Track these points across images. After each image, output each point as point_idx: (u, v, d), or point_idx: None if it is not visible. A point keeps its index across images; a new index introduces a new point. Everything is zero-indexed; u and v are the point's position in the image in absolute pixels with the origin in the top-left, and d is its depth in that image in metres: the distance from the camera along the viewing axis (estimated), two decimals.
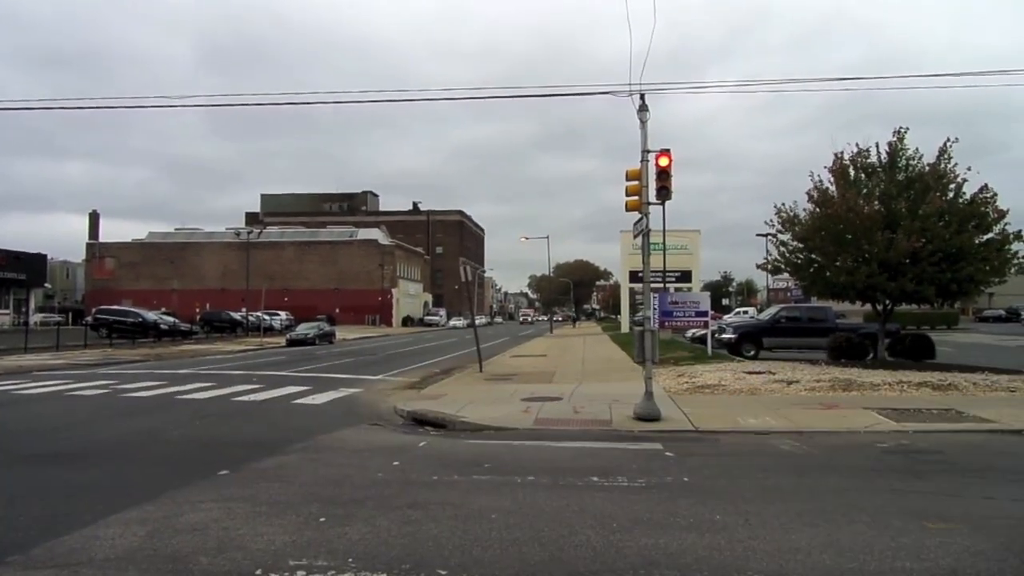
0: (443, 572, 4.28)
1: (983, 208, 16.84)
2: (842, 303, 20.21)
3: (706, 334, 24.49)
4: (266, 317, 47.88)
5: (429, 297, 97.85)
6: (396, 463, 7.63)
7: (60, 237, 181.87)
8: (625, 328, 48.01)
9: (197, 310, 55.72)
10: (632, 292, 48.67)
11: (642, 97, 11.59)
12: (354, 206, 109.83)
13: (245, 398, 13.88)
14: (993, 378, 14.56)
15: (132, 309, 43.75)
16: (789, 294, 65.87)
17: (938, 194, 16.79)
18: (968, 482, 6.70)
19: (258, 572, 4.30)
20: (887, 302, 18.41)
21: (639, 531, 5.06)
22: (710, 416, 10.67)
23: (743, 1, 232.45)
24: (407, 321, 78.98)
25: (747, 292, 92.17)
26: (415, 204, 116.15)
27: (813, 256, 18.76)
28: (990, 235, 17.07)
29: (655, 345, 11.22)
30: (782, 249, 19.86)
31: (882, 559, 4.46)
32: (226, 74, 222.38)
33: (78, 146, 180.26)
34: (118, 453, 8.53)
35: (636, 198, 11.39)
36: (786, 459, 7.93)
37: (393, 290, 77.84)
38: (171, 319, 42.61)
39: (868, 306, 19.34)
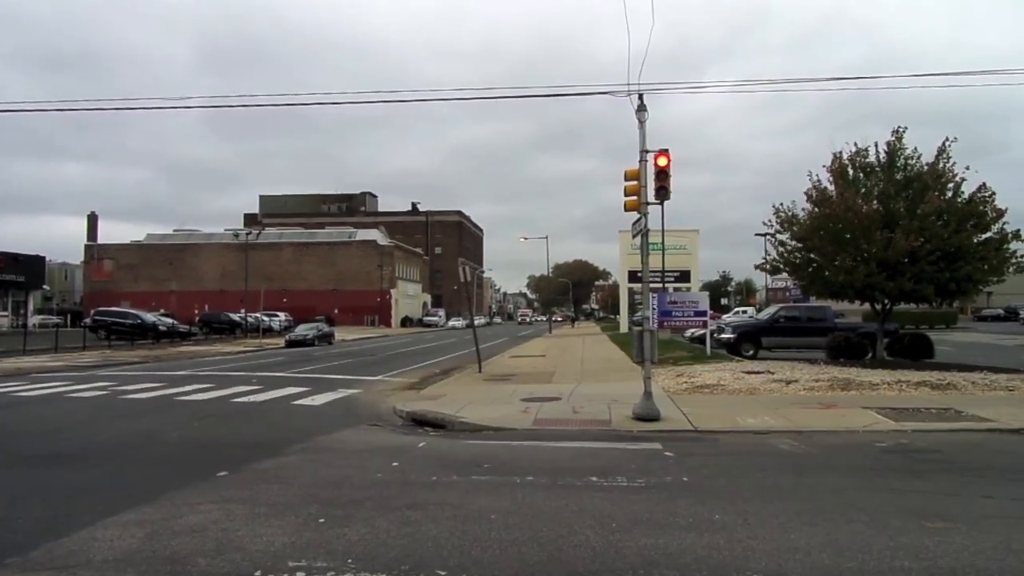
0: (442, 573, 4.28)
1: (981, 207, 16.86)
2: (841, 302, 20.23)
3: (705, 334, 24.50)
4: (265, 318, 47.83)
5: (428, 298, 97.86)
6: (395, 464, 7.63)
7: (58, 239, 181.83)
8: (624, 328, 48.02)
9: (196, 311, 55.67)
10: (631, 292, 48.69)
11: (641, 97, 11.60)
12: (353, 207, 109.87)
13: (244, 399, 13.87)
14: (992, 377, 14.58)
15: (131, 311, 43.73)
16: (788, 294, 65.84)
17: (936, 193, 16.80)
18: (967, 481, 6.71)
19: (257, 573, 4.30)
20: (886, 301, 18.43)
21: (638, 531, 5.06)
22: (709, 416, 10.67)
23: (743, 1, 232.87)
24: (406, 322, 78.97)
25: (746, 292, 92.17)
26: (414, 204, 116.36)
27: (812, 256, 18.77)
28: (988, 234, 17.09)
29: (654, 345, 11.23)
30: (780, 249, 19.88)
31: (881, 558, 4.46)
32: (225, 75, 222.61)
33: (76, 147, 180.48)
34: (117, 454, 8.52)
35: (635, 198, 11.40)
36: (785, 459, 7.93)
37: (392, 291, 77.83)
38: (170, 320, 42.57)
39: (867, 305, 19.37)
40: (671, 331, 29.90)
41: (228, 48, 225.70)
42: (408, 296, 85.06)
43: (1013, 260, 17.27)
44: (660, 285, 33.28)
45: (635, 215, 11.66)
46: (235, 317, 49.54)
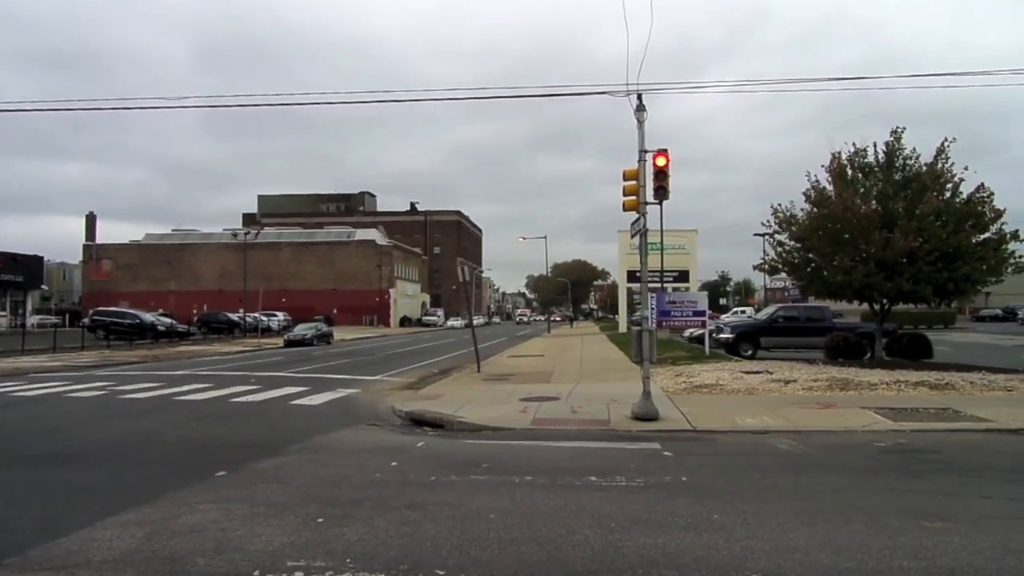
0: (441, 572, 4.28)
1: (980, 208, 16.89)
2: (839, 303, 20.25)
3: (704, 334, 24.55)
4: (263, 318, 47.80)
5: (427, 297, 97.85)
6: (394, 463, 7.63)
7: (57, 239, 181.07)
8: (623, 328, 48.06)
9: (194, 311, 55.61)
10: (630, 292, 48.70)
11: (639, 97, 11.61)
12: (351, 207, 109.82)
13: (243, 399, 13.86)
14: (990, 377, 14.59)
15: (129, 311, 43.71)
16: (786, 294, 65.91)
17: (935, 194, 16.82)
18: (965, 481, 6.72)
19: (256, 573, 4.29)
20: (884, 301, 18.45)
21: (637, 531, 5.06)
22: (708, 416, 10.68)
23: (743, 1, 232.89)
24: (405, 321, 78.94)
25: (744, 292, 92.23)
26: (412, 204, 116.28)
27: (810, 256, 18.79)
28: (987, 234, 17.12)
29: (653, 345, 11.24)
30: (779, 249, 19.91)
31: (880, 558, 4.46)
32: (224, 75, 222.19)
33: (75, 147, 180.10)
34: (116, 454, 8.52)
35: (634, 198, 11.40)
36: (784, 458, 7.94)
37: (391, 290, 77.82)
38: (168, 320, 42.53)
39: (865, 306, 19.39)
40: (670, 331, 29.93)
41: (228, 48, 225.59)
42: (407, 296, 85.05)
43: (1011, 260, 17.30)
44: (659, 285, 33.30)
45: (634, 215, 11.67)
46: (234, 317, 49.51)
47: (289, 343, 37.40)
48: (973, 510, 5.61)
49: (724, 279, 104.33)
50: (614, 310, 73.81)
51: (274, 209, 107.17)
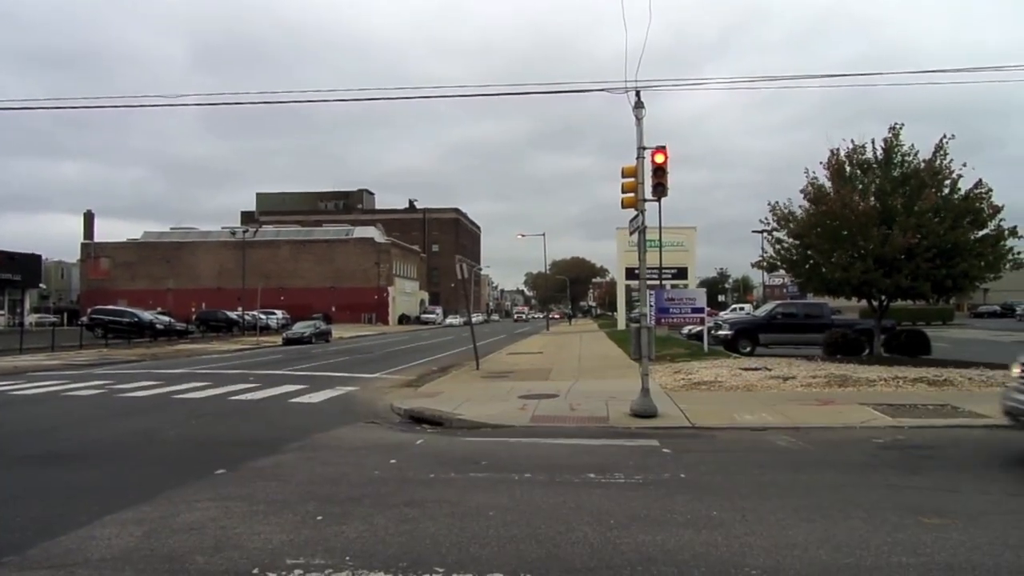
0: (440, 570, 4.28)
1: (978, 204, 16.90)
2: (838, 299, 20.27)
3: (702, 331, 24.56)
4: (262, 316, 47.81)
5: (425, 295, 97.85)
6: (393, 461, 7.63)
7: (55, 237, 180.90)
8: (621, 325, 48.07)
9: (193, 309, 55.65)
10: (628, 289, 48.65)
11: (638, 94, 11.60)
12: (350, 204, 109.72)
13: (241, 397, 13.85)
14: (988, 373, 14.60)
15: (128, 309, 43.68)
16: (785, 291, 65.91)
17: (933, 190, 16.82)
18: (964, 477, 6.72)
19: (255, 571, 4.29)
20: (882, 298, 18.46)
21: (636, 528, 5.06)
22: (706, 412, 10.69)
23: None
24: (403, 319, 78.95)
25: (743, 288, 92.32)
26: (411, 202, 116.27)
27: (808, 253, 18.79)
28: (985, 231, 17.13)
29: (651, 342, 11.24)
30: (777, 246, 19.92)
31: (878, 554, 4.47)
32: (224, 73, 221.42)
33: (73, 146, 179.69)
34: (114, 453, 8.51)
35: (632, 195, 11.40)
36: (782, 455, 7.94)
37: (389, 288, 77.80)
38: (167, 319, 42.51)
39: (864, 302, 19.40)
40: (668, 328, 29.90)
41: (227, 47, 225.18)
42: (405, 293, 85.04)
43: (1010, 256, 17.31)
44: (657, 282, 33.29)
45: (632, 212, 11.66)
46: (232, 315, 49.52)
47: (288, 341, 37.39)
48: (971, 506, 5.62)
49: (723, 276, 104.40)
50: (613, 307, 73.81)
51: (273, 207, 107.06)
